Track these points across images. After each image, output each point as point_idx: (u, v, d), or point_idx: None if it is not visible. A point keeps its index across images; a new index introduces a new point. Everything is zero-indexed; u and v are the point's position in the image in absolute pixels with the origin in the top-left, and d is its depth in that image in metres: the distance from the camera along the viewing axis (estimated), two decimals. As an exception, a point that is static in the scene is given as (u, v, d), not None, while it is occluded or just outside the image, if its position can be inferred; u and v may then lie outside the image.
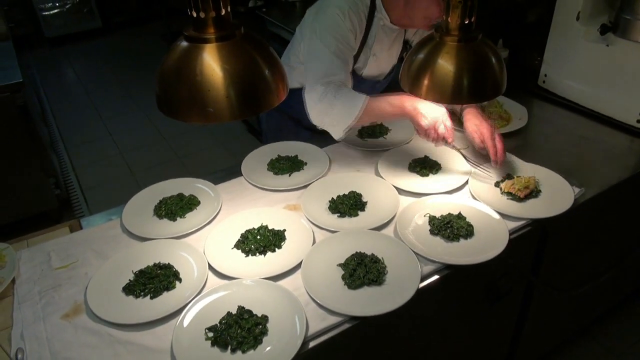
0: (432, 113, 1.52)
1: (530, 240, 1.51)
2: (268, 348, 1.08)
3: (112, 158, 3.96)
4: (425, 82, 1.31)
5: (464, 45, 1.27)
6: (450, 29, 1.27)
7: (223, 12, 0.99)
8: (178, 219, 1.49)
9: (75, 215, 3.27)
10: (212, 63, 0.97)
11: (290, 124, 2.05)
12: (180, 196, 1.56)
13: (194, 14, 0.98)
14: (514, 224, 1.40)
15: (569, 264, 1.74)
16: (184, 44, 1.00)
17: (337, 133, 1.62)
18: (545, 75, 2.10)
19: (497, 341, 1.82)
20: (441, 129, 1.53)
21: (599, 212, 1.67)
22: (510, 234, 1.36)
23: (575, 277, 1.81)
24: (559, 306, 1.89)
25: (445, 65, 1.27)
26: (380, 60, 1.83)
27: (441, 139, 1.55)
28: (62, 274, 1.32)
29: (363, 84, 1.85)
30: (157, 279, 1.25)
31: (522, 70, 2.24)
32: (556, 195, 1.49)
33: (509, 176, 1.57)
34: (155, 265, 1.30)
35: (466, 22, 1.26)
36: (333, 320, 1.14)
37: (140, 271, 1.28)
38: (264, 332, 1.12)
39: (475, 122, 1.62)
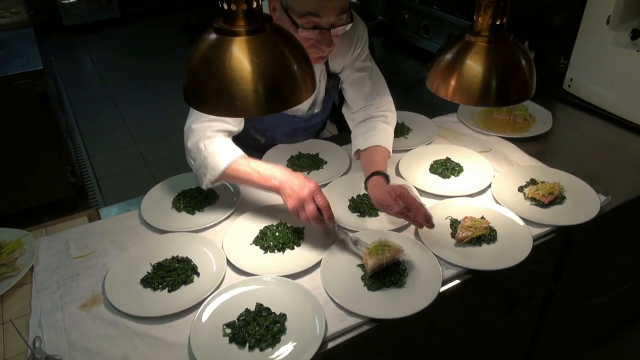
0: (300, 190, 1.27)
1: (553, 248, 1.48)
2: (286, 347, 1.07)
3: (127, 148, 3.97)
4: (452, 82, 1.28)
5: (494, 46, 1.24)
6: (481, 30, 1.25)
7: (254, 4, 0.97)
8: (196, 212, 1.48)
9: (90, 204, 3.28)
10: (241, 56, 0.95)
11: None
12: (199, 190, 1.55)
13: (225, 6, 0.97)
14: (537, 230, 1.37)
15: (590, 273, 1.71)
16: (213, 36, 0.98)
17: (201, 182, 1.43)
18: (571, 80, 2.06)
19: (513, 347, 1.80)
20: (309, 208, 1.26)
21: (623, 221, 1.63)
22: (534, 240, 1.33)
23: (595, 286, 1.77)
24: (577, 315, 1.86)
25: (474, 66, 1.24)
26: None
27: (312, 218, 1.26)
28: (80, 263, 1.31)
29: (282, 120, 1.69)
30: (175, 273, 1.25)
31: (548, 74, 2.20)
32: (581, 203, 1.45)
33: (533, 181, 1.54)
34: (173, 258, 1.29)
35: (497, 22, 1.23)
36: (352, 321, 1.13)
37: (158, 264, 1.28)
38: (282, 330, 1.10)
39: (386, 192, 1.34)
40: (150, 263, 1.28)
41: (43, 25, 6.05)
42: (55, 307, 1.19)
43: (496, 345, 1.69)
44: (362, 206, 1.46)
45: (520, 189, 1.52)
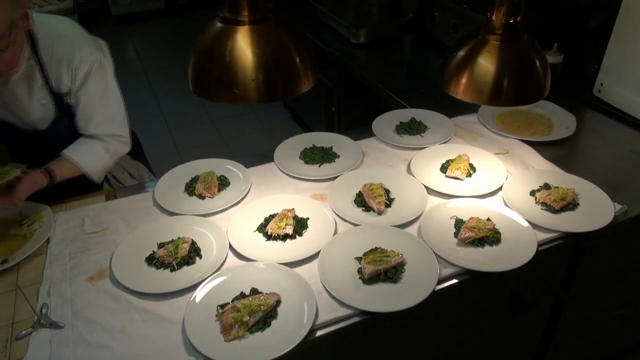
0: None
1: (562, 254, 1.44)
2: (276, 331, 1.09)
3: (160, 135, 4.09)
4: (464, 80, 1.27)
5: (507, 44, 1.22)
6: (494, 28, 1.23)
7: (258, -5, 1.00)
8: (207, 197, 1.52)
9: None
10: (242, 45, 0.98)
11: None
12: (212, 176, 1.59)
13: (230, -4, 0.99)
14: (544, 235, 1.34)
15: (604, 284, 1.65)
16: (217, 24, 1.01)
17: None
18: (602, 85, 1.98)
19: (519, 356, 1.76)
20: None
21: (642, 232, 1.57)
22: (539, 245, 1.30)
23: (610, 299, 1.71)
24: (590, 328, 1.80)
25: (485, 64, 1.23)
26: None
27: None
28: (93, 239, 1.38)
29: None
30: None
31: (577, 78, 2.13)
32: (594, 210, 1.41)
33: (546, 186, 1.50)
34: (178, 239, 1.33)
35: (511, 21, 1.21)
36: (343, 312, 1.14)
37: (164, 244, 1.32)
38: (274, 315, 1.13)
39: None
40: (157, 243, 1.33)
41: (92, 13, 6.29)
42: (65, 277, 1.25)
43: (500, 353, 1.66)
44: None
45: (532, 193, 1.48)
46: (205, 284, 1.20)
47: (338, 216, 1.43)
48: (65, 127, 1.61)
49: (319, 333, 1.11)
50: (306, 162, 1.67)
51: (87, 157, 1.58)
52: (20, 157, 1.67)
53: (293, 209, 1.41)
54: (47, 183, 1.46)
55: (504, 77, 1.22)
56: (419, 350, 1.42)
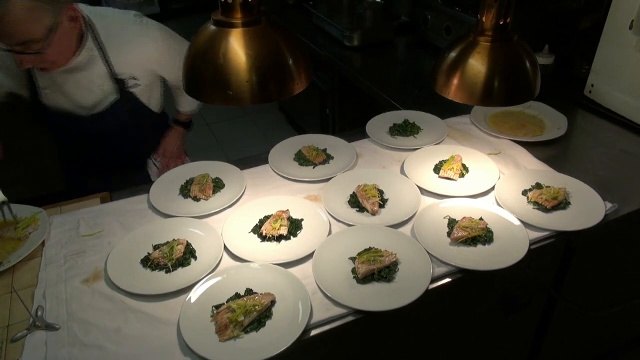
0: None
1: (554, 253, 1.46)
2: (270, 331, 1.10)
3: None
4: (455, 81, 1.29)
5: (497, 45, 1.24)
6: (485, 29, 1.24)
7: (250, -3, 1.01)
8: (201, 199, 1.53)
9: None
10: (235, 48, 0.99)
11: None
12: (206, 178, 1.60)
13: (222, -1, 1.01)
14: (536, 234, 1.36)
15: (596, 283, 1.67)
16: (211, 27, 1.02)
17: None
18: (592, 85, 2.01)
19: (512, 355, 1.77)
20: None
21: (632, 231, 1.59)
22: (531, 244, 1.31)
23: (603, 298, 1.73)
24: (583, 326, 1.82)
25: (476, 65, 1.24)
26: None
27: None
28: (88, 241, 1.38)
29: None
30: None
31: (569, 79, 2.16)
32: (585, 209, 1.42)
33: (538, 185, 1.52)
34: (173, 241, 1.34)
35: (501, 22, 1.23)
36: (337, 311, 1.15)
37: (159, 246, 1.33)
38: (268, 315, 1.13)
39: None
40: (152, 244, 1.34)
41: (86, 18, 6.28)
42: (60, 279, 1.26)
43: (493, 352, 1.67)
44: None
45: (524, 193, 1.50)
46: (200, 285, 1.21)
47: (332, 217, 1.44)
48: (124, 111, 1.81)
49: (314, 332, 1.12)
50: (300, 164, 1.69)
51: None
52: (71, 149, 1.93)
53: (287, 210, 1.42)
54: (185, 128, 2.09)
55: (494, 78, 1.23)
56: (412, 349, 1.43)
